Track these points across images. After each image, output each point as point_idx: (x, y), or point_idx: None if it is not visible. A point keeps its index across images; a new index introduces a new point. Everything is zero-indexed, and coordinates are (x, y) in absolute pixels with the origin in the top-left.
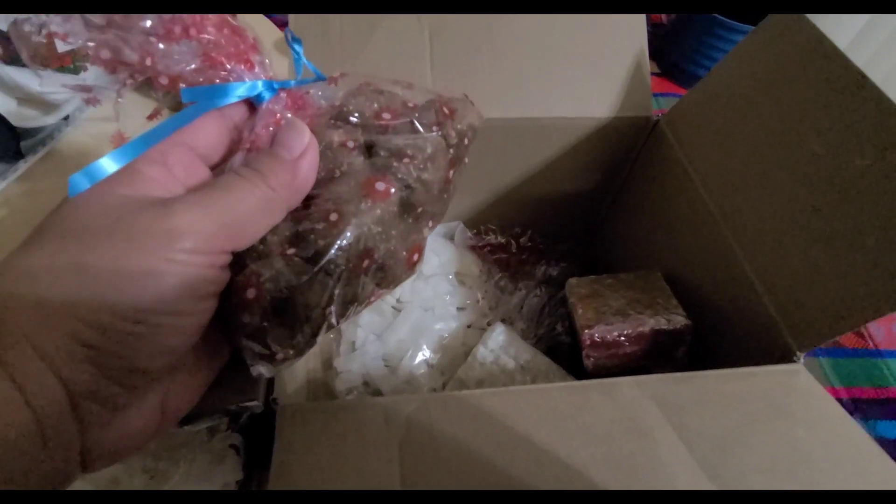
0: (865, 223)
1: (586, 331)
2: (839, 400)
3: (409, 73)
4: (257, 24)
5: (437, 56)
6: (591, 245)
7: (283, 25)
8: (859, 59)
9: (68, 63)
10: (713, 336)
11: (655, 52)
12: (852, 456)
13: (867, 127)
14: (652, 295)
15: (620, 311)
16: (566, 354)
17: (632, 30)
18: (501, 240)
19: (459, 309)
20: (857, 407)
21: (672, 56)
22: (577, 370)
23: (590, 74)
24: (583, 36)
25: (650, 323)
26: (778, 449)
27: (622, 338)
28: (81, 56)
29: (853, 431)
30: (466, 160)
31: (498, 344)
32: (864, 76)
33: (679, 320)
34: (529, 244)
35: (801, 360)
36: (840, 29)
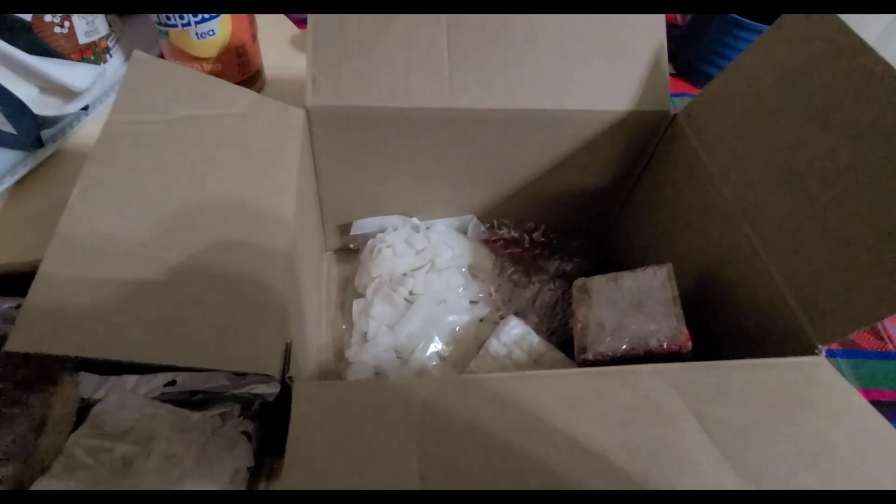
0: (888, 217)
1: (581, 355)
2: None
3: (425, 63)
4: (273, 21)
5: (454, 46)
6: (605, 240)
7: (300, 23)
8: (886, 54)
9: (89, 55)
10: (732, 329)
11: (671, 53)
12: (877, 448)
13: (892, 121)
14: (657, 300)
15: (619, 324)
16: None
17: (650, 23)
18: (515, 234)
19: (472, 302)
20: (878, 409)
21: (688, 56)
22: None
23: (607, 67)
24: (600, 28)
25: (650, 343)
26: (801, 439)
27: (618, 355)
28: (102, 49)
29: (878, 424)
30: None
31: (511, 338)
32: (890, 68)
33: (679, 339)
34: (543, 239)
35: (824, 353)
36: (866, 24)
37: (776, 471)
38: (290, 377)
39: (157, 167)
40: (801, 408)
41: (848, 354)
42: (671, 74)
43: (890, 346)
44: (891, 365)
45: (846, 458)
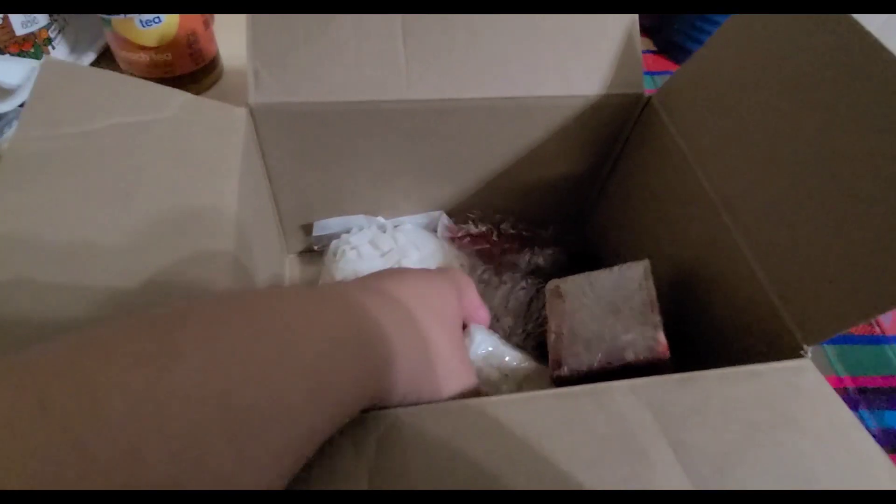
0: (879, 207)
1: (555, 371)
2: (845, 389)
3: (379, 51)
4: None
5: (409, 32)
6: (580, 232)
7: None
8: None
9: (28, 48)
10: (714, 328)
11: (651, 29)
12: (860, 471)
13: (883, 101)
14: (633, 304)
15: (593, 334)
16: None
17: None
18: (482, 228)
19: None
20: (864, 396)
21: (669, 33)
22: None
23: (576, 49)
24: None
25: (626, 356)
26: (781, 467)
27: (593, 369)
28: (43, 40)
29: (861, 441)
30: None
31: (478, 356)
32: (879, 43)
33: (656, 351)
34: (512, 231)
35: (809, 354)
36: (865, 22)
37: None
38: None
39: (73, 188)
40: (785, 426)
41: (835, 340)
42: (652, 51)
43: (878, 330)
44: (878, 350)
45: (829, 485)
